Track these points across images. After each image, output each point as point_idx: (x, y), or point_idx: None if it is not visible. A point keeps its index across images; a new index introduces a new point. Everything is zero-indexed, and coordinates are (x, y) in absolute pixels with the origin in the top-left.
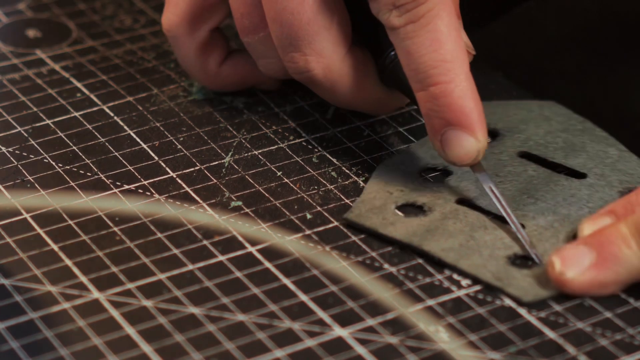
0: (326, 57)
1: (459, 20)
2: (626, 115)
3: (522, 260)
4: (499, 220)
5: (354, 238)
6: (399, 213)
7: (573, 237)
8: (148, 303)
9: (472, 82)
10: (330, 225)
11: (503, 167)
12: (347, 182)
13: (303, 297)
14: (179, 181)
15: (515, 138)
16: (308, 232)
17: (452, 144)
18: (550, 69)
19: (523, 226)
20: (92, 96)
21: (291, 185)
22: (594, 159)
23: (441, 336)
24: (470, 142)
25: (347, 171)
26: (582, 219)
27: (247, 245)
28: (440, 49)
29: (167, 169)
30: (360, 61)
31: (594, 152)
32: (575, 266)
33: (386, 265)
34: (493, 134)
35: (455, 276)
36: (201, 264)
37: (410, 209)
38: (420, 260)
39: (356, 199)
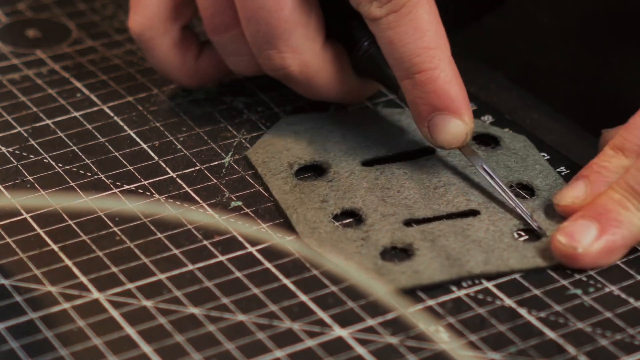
0: (302, 53)
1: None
2: (619, 107)
3: (527, 233)
4: (450, 218)
5: None
6: (396, 262)
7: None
8: (148, 303)
9: (455, 67)
10: None
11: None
12: None
13: (303, 297)
14: (179, 181)
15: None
16: None
17: (441, 128)
18: (543, 63)
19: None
20: (92, 96)
21: None
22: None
23: (441, 336)
24: (459, 126)
25: None
26: (555, 192)
27: (247, 245)
28: (424, 36)
29: (167, 169)
30: (335, 54)
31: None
32: (583, 239)
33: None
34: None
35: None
36: (201, 264)
37: (398, 253)
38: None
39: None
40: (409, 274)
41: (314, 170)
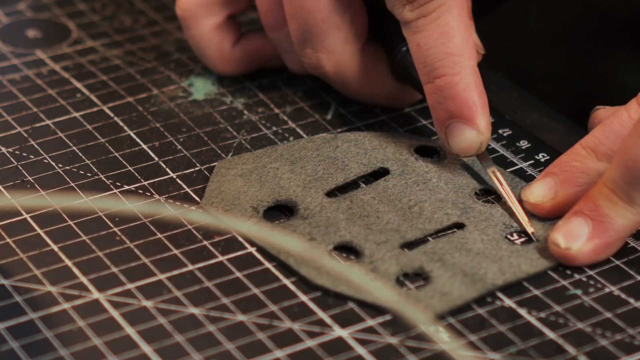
0: (337, 54)
1: (470, 19)
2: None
3: (517, 236)
4: (439, 235)
5: None
6: (417, 288)
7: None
8: (148, 303)
9: (478, 76)
10: None
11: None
12: None
13: (303, 297)
14: (179, 182)
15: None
16: None
17: (455, 136)
18: (534, 67)
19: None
20: (92, 97)
21: None
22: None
23: (441, 336)
24: (472, 135)
25: None
26: (522, 188)
27: (247, 245)
28: (449, 42)
29: (167, 169)
30: (372, 58)
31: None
32: (577, 239)
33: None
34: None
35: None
36: (201, 264)
37: (411, 279)
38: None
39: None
40: (438, 298)
41: (279, 210)
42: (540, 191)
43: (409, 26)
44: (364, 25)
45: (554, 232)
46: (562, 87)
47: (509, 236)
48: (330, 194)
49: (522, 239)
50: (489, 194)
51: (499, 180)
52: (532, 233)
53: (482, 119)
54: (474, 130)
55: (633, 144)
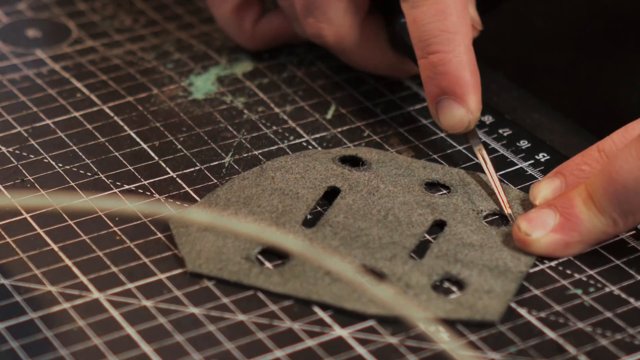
0: (337, 25)
1: None
2: (614, 109)
3: (490, 217)
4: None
5: None
6: (459, 293)
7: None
8: (148, 303)
9: (472, 55)
10: None
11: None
12: None
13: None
14: (179, 181)
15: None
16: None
17: (445, 112)
18: (539, 65)
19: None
20: (92, 96)
21: None
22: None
23: (441, 336)
24: (462, 113)
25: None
26: (533, 183)
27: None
28: (445, 19)
29: (167, 169)
30: (372, 29)
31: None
32: (540, 228)
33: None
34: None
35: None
36: None
37: (441, 285)
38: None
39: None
40: (489, 297)
41: (266, 254)
42: (545, 192)
43: (407, 1)
44: None
45: (522, 216)
46: (563, 87)
47: (485, 219)
48: (304, 224)
49: (497, 220)
50: (436, 185)
51: (484, 159)
52: (509, 214)
53: (473, 98)
54: (463, 108)
55: (623, 156)
